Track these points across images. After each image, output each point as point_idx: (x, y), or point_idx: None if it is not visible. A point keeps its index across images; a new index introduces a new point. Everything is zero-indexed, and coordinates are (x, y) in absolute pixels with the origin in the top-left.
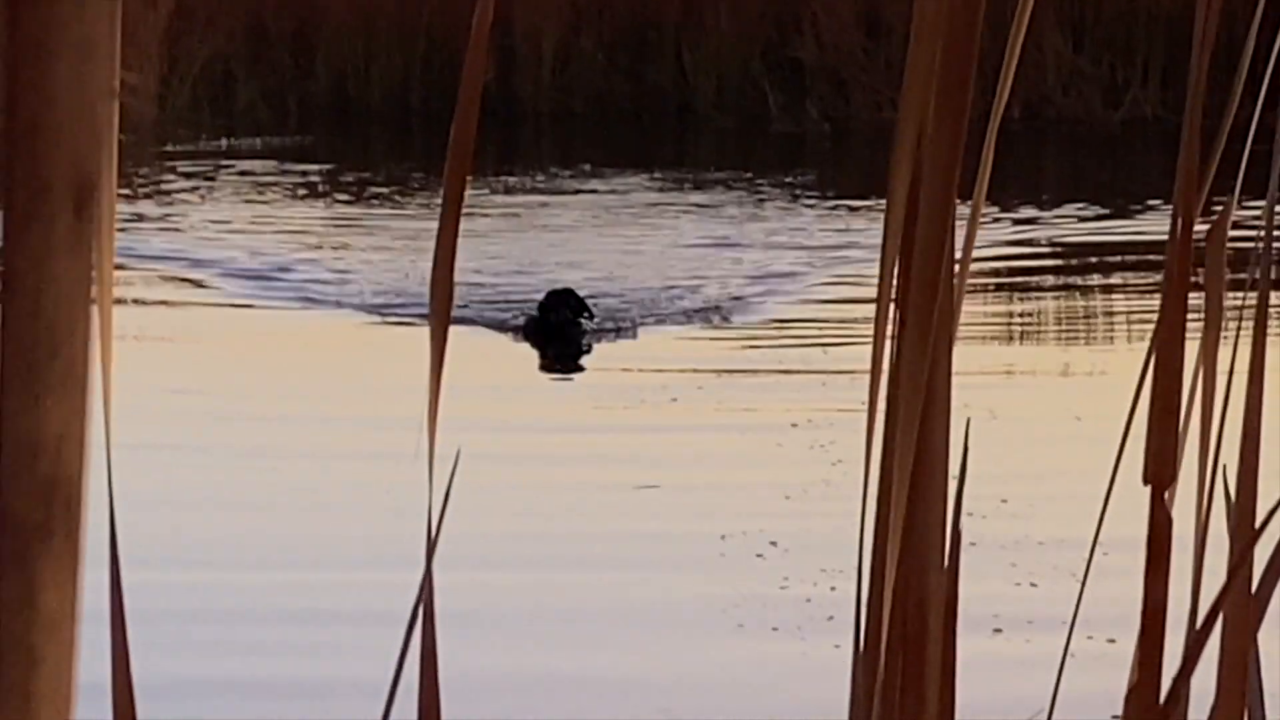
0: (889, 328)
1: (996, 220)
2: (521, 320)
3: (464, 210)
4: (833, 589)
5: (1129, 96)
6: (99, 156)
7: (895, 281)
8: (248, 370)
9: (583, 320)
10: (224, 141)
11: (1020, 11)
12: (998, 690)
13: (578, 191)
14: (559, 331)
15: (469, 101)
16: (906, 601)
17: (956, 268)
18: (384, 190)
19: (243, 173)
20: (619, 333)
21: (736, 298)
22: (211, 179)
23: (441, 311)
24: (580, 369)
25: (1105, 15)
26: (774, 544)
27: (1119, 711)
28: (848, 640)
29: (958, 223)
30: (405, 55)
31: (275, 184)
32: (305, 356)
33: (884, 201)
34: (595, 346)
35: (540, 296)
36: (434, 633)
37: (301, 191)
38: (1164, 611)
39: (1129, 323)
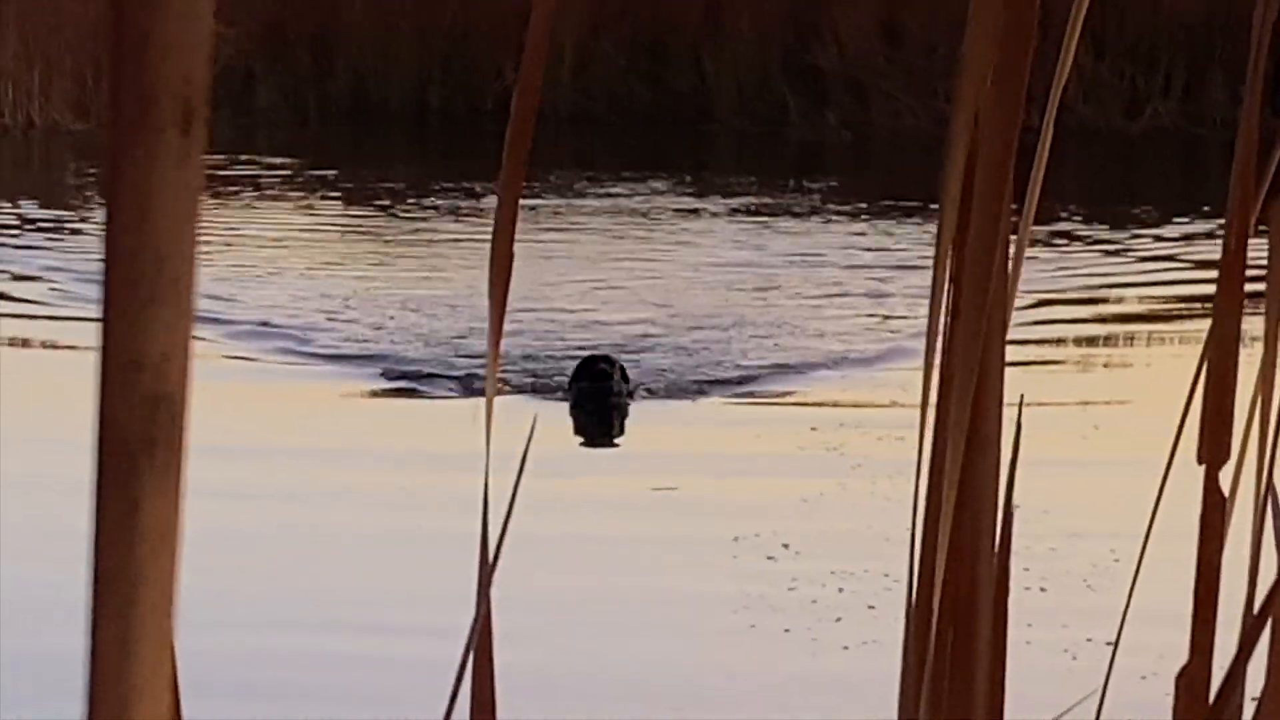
0: (942, 317)
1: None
2: (557, 387)
3: (479, 223)
4: (841, 590)
5: (1149, 107)
6: (202, 70)
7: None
8: (248, 418)
9: (621, 389)
10: (243, 141)
11: (1070, 30)
12: (1047, 671)
13: (599, 196)
14: (598, 402)
15: (517, 159)
16: (957, 584)
17: (1011, 252)
18: (404, 200)
19: (260, 176)
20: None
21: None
22: (230, 182)
23: (492, 363)
24: (618, 430)
25: (1127, 25)
26: (786, 546)
27: (1170, 692)
28: (856, 641)
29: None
30: (425, 56)
31: (294, 189)
32: (318, 410)
33: (902, 208)
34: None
35: (555, 340)
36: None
37: (319, 199)
38: (1216, 592)
39: (1181, 318)
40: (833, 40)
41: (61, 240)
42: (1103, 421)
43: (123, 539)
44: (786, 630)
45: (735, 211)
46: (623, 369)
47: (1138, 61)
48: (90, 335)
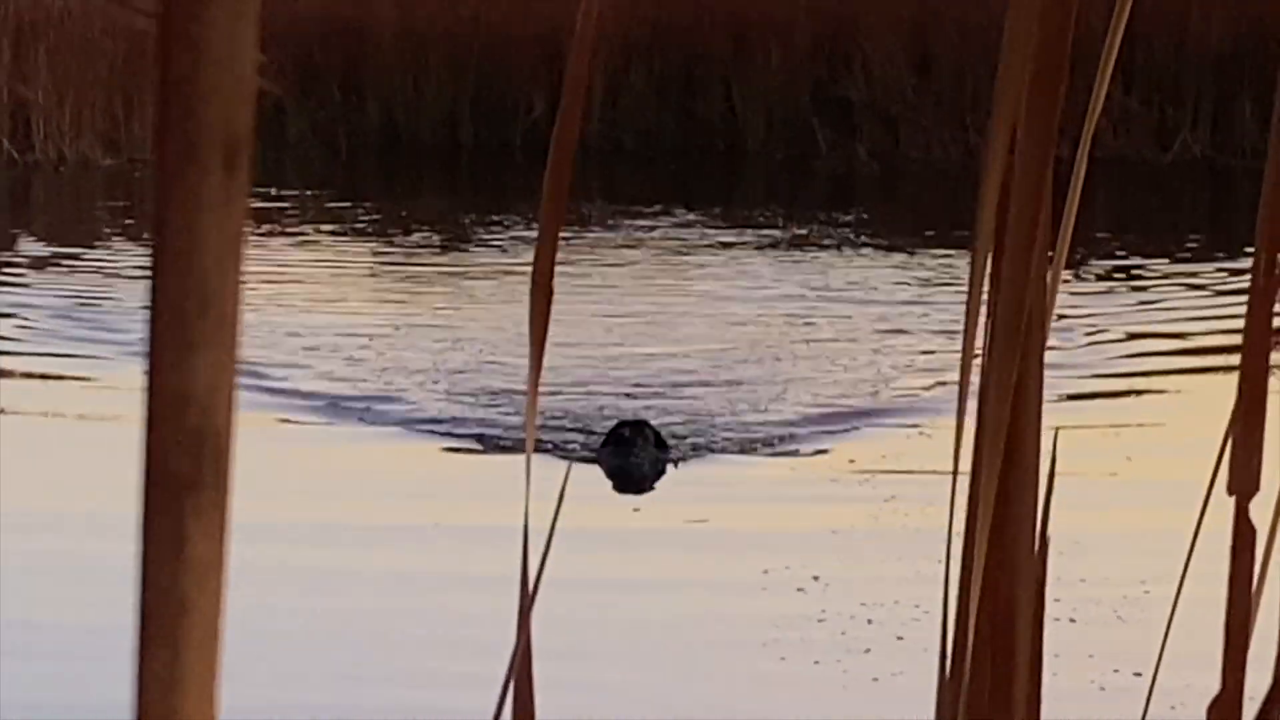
0: (978, 340)
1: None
2: (589, 451)
3: (509, 260)
4: (870, 622)
5: (1179, 138)
6: (246, 115)
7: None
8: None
9: (645, 457)
10: (274, 174)
11: (1103, 66)
12: (1076, 702)
13: (628, 229)
14: (635, 469)
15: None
16: (994, 614)
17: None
18: (434, 238)
19: (289, 209)
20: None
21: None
22: (259, 216)
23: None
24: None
25: (1156, 56)
26: (816, 578)
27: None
28: (886, 672)
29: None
30: (455, 89)
31: (323, 226)
32: (342, 466)
33: (932, 239)
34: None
35: (587, 385)
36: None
37: (349, 231)
38: (1248, 624)
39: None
40: (862, 71)
41: (57, 277)
42: (1136, 451)
43: (169, 574)
44: (816, 663)
45: (765, 244)
46: (656, 434)
47: (1166, 93)
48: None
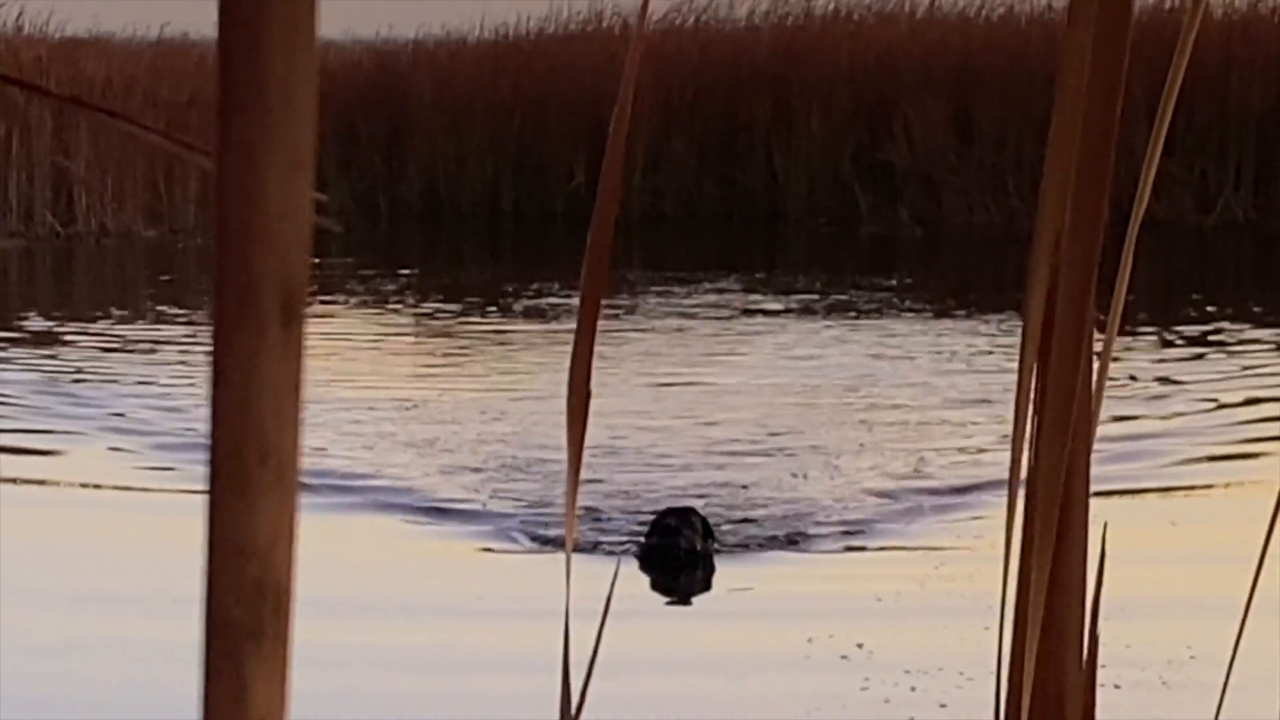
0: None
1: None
2: (634, 540)
3: (553, 326)
4: (913, 689)
5: (1221, 200)
6: (303, 265)
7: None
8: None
9: (693, 545)
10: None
11: (1156, 133)
12: None
13: (671, 296)
14: (684, 561)
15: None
16: (1045, 678)
17: (1096, 370)
18: (477, 308)
19: (332, 278)
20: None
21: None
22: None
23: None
24: (699, 585)
25: (1197, 118)
26: (860, 645)
27: None
28: None
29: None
30: (496, 157)
31: (366, 291)
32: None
33: (973, 307)
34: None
35: (629, 466)
36: None
37: (391, 301)
38: None
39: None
40: (903, 136)
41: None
42: (1182, 516)
43: None
44: None
45: (808, 311)
46: (704, 521)
47: (1208, 155)
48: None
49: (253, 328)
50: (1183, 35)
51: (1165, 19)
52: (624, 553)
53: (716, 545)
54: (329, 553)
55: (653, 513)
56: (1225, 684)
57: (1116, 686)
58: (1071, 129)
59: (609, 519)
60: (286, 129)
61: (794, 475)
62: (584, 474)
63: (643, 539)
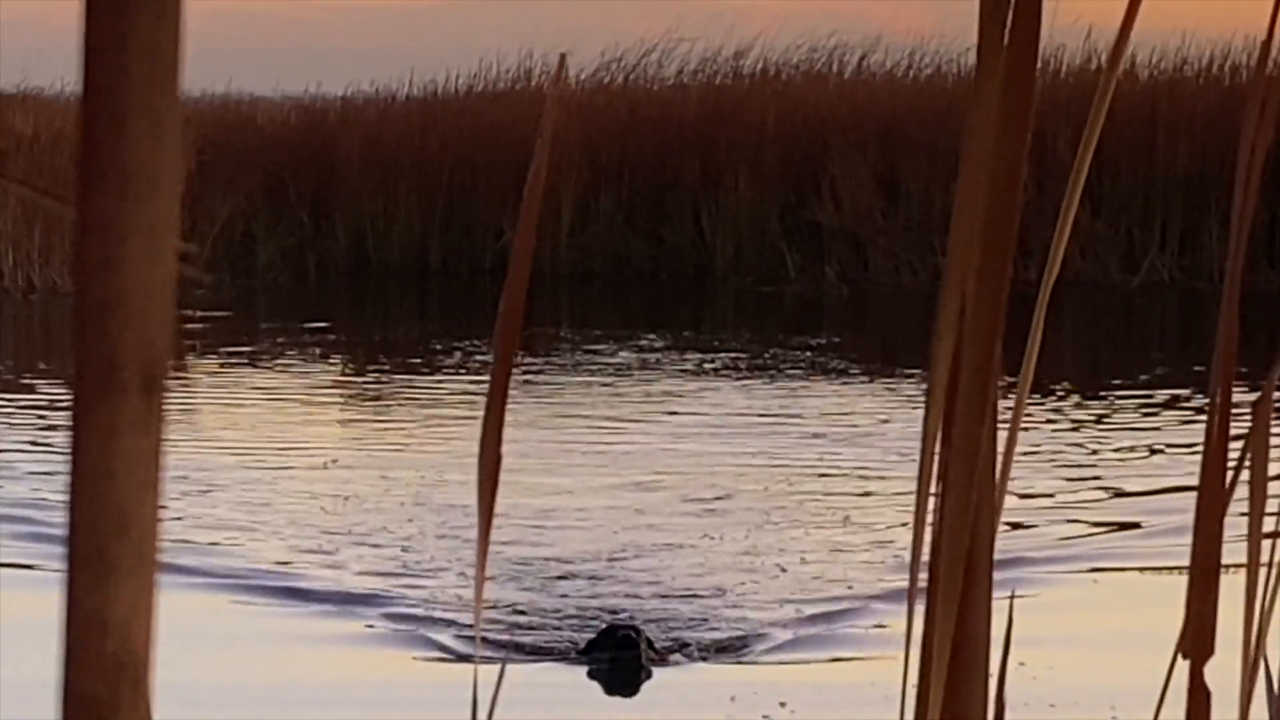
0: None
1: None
2: (572, 653)
3: (477, 383)
4: None
5: (1147, 261)
6: (165, 335)
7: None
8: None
9: (650, 656)
10: (243, 301)
11: (1071, 190)
12: None
13: (596, 355)
14: (629, 675)
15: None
16: None
17: (1002, 442)
18: (401, 366)
19: (257, 337)
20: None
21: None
22: (227, 343)
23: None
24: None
25: (1123, 179)
26: None
27: None
28: None
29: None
30: (424, 215)
31: (290, 349)
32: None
33: (897, 366)
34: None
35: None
36: None
37: (316, 358)
38: None
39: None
40: (830, 196)
41: None
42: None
43: None
44: None
45: (733, 369)
46: (648, 638)
47: (1133, 215)
48: None
49: (113, 399)
50: (1099, 94)
51: (1092, 79)
52: (556, 658)
53: (660, 659)
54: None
55: (575, 618)
56: None
57: None
58: (977, 189)
59: (531, 622)
60: (147, 199)
61: (701, 566)
62: (497, 536)
63: (587, 646)
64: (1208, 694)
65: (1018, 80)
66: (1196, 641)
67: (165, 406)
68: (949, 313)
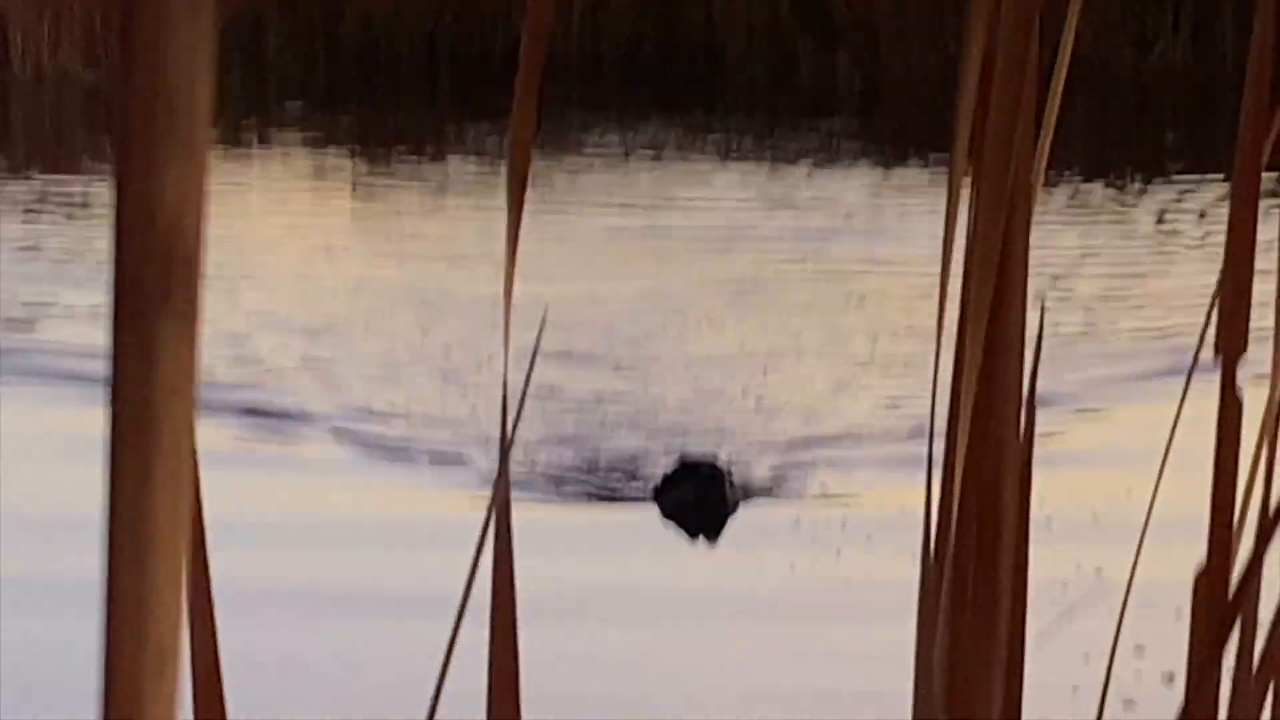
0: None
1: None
2: (647, 491)
3: (491, 169)
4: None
5: (1158, 46)
6: None
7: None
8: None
9: (729, 494)
10: (254, 88)
11: None
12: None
13: (608, 145)
14: (711, 517)
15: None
16: (980, 485)
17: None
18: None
19: (269, 125)
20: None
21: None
22: (240, 132)
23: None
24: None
25: None
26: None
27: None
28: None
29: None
30: (434, 3)
31: (302, 142)
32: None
33: (917, 148)
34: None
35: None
36: None
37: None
38: (1233, 493)
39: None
40: None
41: None
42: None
43: (139, 388)
44: None
45: (747, 157)
46: (729, 473)
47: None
48: None
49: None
50: None
51: None
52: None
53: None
54: None
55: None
56: (1150, 509)
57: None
58: None
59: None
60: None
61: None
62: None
63: (663, 484)
64: (1239, 398)
65: None
66: (1229, 338)
67: None
68: (971, 75)
